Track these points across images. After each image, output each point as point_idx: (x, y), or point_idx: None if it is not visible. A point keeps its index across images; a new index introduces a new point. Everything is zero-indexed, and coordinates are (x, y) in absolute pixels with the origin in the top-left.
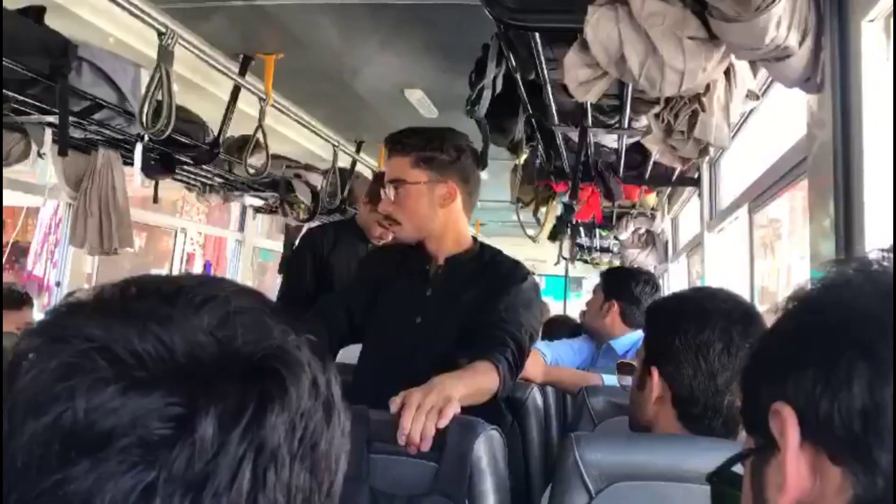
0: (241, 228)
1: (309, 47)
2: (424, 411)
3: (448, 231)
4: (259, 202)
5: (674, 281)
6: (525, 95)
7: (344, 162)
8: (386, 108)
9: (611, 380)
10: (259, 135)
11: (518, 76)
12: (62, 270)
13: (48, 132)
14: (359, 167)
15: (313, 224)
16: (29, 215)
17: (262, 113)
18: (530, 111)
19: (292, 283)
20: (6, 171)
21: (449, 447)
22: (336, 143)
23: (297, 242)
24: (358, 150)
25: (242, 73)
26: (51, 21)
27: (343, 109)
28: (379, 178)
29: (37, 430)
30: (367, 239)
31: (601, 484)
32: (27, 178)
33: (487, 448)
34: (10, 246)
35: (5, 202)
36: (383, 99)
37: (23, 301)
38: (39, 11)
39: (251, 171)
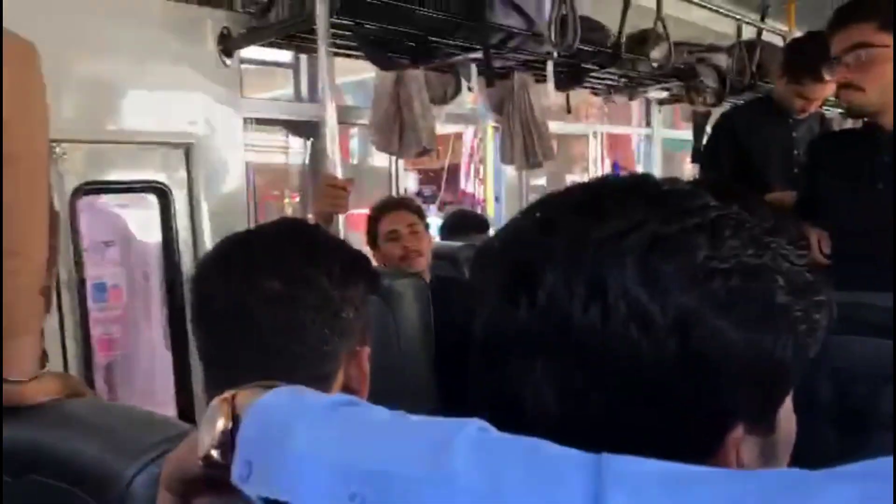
0: (648, 123)
1: None
2: None
3: None
4: (664, 94)
5: None
6: None
7: (748, 34)
8: None
9: None
10: (658, 26)
11: None
12: (500, 185)
13: (474, 68)
14: (765, 36)
15: (723, 108)
16: (455, 140)
17: (658, 2)
18: None
19: (710, 172)
20: (445, 108)
21: None
22: (739, 16)
23: (709, 129)
24: (762, 18)
25: None
26: None
27: None
28: (801, 47)
29: None
30: (787, 114)
31: None
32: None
33: None
34: (445, 169)
35: (442, 132)
36: None
37: (485, 225)
38: None
39: (655, 64)
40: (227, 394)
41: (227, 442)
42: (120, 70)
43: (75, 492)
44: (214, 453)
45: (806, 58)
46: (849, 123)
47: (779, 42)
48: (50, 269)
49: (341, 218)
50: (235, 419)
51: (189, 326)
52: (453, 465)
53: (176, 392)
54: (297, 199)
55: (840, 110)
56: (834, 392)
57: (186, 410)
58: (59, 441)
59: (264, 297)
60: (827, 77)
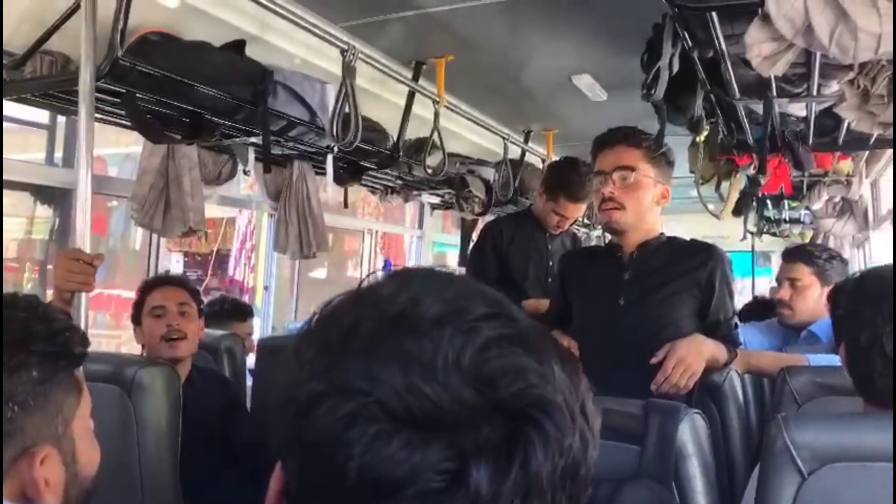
0: (420, 226)
1: (477, 46)
2: (682, 368)
3: (651, 229)
4: (436, 199)
5: (877, 250)
6: (703, 73)
7: (513, 153)
8: (553, 96)
9: (816, 359)
10: (435, 136)
11: (695, 55)
12: (269, 275)
13: (251, 152)
14: (528, 157)
15: (488, 217)
16: (228, 225)
17: (436, 115)
18: (709, 87)
19: (476, 275)
20: (219, 190)
21: (651, 432)
22: (505, 136)
23: (477, 235)
24: (526, 141)
25: (416, 78)
26: (247, 50)
27: (511, 102)
28: (559, 169)
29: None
30: (543, 228)
31: (814, 465)
32: (222, 191)
33: (692, 432)
34: (214, 254)
35: (210, 215)
36: (551, 87)
37: (248, 313)
38: (240, 45)
39: (429, 171)
40: None
41: None
42: None
43: None
44: None
45: (562, 179)
46: (593, 242)
47: (538, 163)
48: None
49: (84, 297)
50: None
51: None
52: None
53: None
54: (38, 274)
55: (588, 230)
56: None
57: None
58: None
59: None
60: (594, 185)
